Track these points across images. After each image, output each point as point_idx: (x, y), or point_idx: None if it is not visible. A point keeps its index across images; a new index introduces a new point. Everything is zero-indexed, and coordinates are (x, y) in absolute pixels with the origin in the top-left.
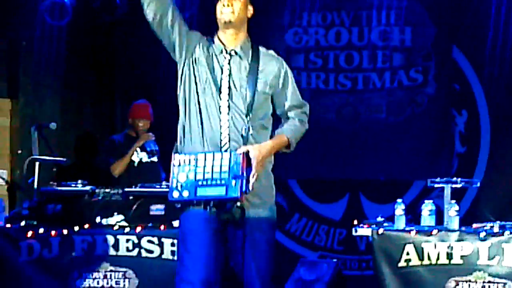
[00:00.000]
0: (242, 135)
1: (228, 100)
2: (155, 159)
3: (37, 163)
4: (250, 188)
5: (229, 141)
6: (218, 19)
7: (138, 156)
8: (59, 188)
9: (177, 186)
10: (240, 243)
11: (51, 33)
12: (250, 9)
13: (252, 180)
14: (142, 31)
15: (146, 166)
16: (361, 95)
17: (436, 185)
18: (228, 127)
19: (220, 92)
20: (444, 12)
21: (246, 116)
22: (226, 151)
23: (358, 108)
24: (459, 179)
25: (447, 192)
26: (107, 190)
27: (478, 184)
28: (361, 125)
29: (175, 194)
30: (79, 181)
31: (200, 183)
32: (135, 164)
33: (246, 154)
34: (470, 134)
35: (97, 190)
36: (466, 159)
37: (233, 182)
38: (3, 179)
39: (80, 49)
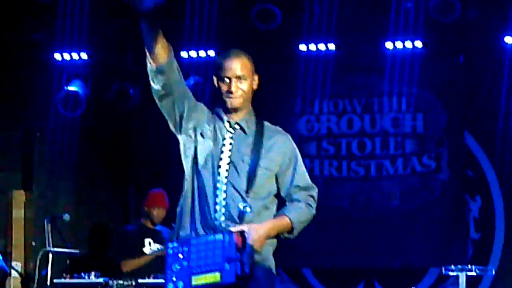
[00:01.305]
0: (238, 215)
1: (226, 177)
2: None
3: (50, 255)
4: (247, 270)
5: (224, 220)
6: (223, 100)
7: (151, 248)
8: (72, 280)
9: (171, 278)
10: None
11: (65, 124)
12: (256, 79)
13: (248, 262)
14: (156, 121)
15: (158, 258)
16: (374, 182)
17: (450, 273)
18: (224, 206)
19: (219, 167)
20: (455, 98)
21: (245, 194)
22: (220, 230)
23: (371, 195)
24: (474, 267)
25: (462, 279)
26: (120, 282)
27: (493, 272)
28: (374, 212)
29: (170, 286)
30: (92, 273)
31: (194, 271)
32: None
33: (241, 234)
34: (485, 220)
35: (110, 282)
36: (481, 246)
37: (227, 266)
38: (17, 271)
39: (94, 140)
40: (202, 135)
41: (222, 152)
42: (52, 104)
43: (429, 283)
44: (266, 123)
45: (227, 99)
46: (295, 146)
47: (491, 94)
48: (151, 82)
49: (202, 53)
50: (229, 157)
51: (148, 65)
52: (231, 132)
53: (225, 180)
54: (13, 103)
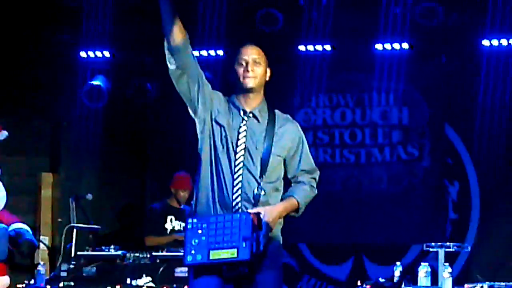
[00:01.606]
0: (254, 197)
1: (242, 161)
2: None
3: (74, 230)
4: (261, 249)
5: (240, 201)
6: (239, 83)
7: (172, 224)
8: (94, 252)
9: (190, 250)
10: None
11: (89, 114)
12: (268, 71)
13: (263, 241)
14: (172, 112)
15: (177, 234)
16: (364, 168)
17: (431, 249)
18: (240, 188)
19: (235, 153)
20: (437, 94)
21: (260, 178)
22: (237, 212)
23: (361, 180)
24: (451, 244)
25: (441, 255)
26: (136, 254)
27: (469, 248)
28: (364, 195)
29: (189, 258)
30: (112, 246)
31: (212, 246)
32: (168, 232)
33: (257, 215)
34: (462, 203)
35: (127, 254)
36: (459, 225)
37: (244, 244)
38: (45, 244)
39: (115, 129)
40: (217, 121)
41: (238, 139)
42: (78, 97)
43: (412, 258)
44: (277, 112)
45: (243, 80)
46: (302, 132)
47: (470, 91)
48: (168, 64)
49: (212, 52)
50: (244, 143)
51: (165, 45)
52: (245, 120)
53: (241, 165)
54: (43, 95)
